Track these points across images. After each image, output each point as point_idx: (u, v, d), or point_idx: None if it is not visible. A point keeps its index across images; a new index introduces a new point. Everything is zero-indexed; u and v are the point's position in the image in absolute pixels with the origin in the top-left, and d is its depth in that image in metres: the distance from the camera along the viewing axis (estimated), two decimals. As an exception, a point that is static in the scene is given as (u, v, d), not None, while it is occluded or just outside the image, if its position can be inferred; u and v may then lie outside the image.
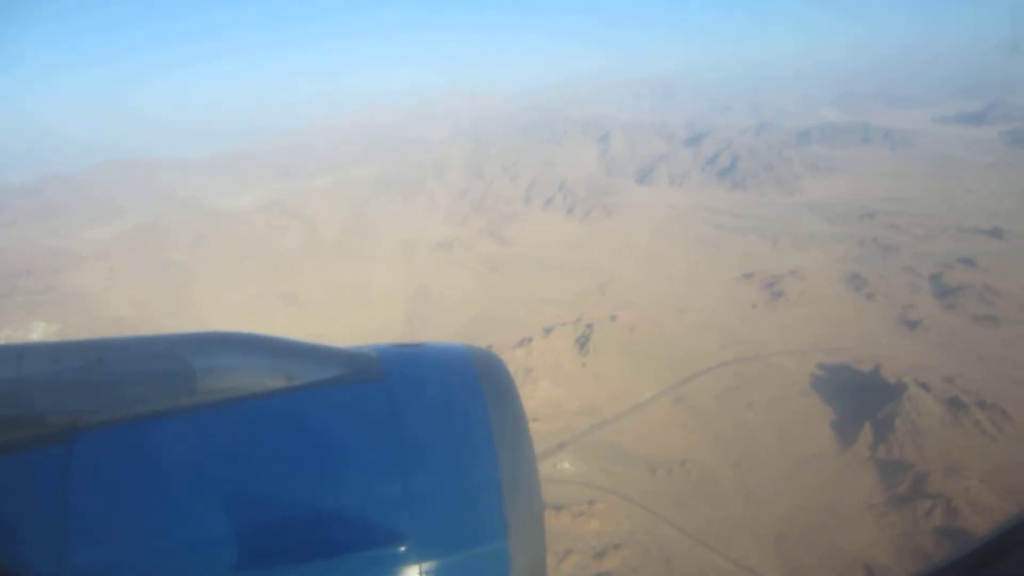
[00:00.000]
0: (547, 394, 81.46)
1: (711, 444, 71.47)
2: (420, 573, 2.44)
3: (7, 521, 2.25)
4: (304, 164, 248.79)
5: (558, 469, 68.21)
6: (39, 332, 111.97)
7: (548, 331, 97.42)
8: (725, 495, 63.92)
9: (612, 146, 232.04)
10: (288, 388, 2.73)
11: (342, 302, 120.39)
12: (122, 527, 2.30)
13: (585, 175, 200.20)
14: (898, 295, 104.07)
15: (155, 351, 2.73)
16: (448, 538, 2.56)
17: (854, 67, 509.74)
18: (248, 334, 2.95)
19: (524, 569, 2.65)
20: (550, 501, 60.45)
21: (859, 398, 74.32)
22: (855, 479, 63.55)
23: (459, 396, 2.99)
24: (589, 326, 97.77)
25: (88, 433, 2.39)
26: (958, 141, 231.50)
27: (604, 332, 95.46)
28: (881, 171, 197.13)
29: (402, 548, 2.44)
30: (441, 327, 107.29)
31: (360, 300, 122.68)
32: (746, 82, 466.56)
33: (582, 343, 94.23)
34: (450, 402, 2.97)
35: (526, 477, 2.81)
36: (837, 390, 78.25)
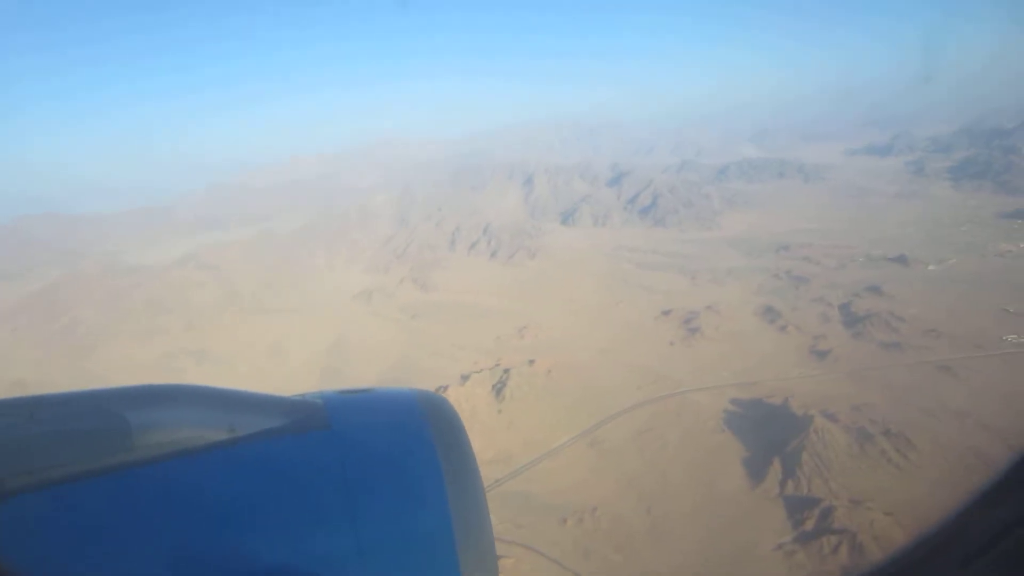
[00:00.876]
0: (461, 446, 78.93)
1: (623, 488, 70.04)
2: None
3: None
4: (227, 217, 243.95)
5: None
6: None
7: (465, 379, 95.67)
8: (636, 541, 62.29)
9: (536, 189, 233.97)
10: (230, 440, 2.59)
11: (256, 357, 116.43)
12: None
13: (510, 219, 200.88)
14: (809, 326, 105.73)
15: (89, 407, 2.54)
16: None
17: (772, 104, 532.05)
18: (187, 386, 2.80)
19: None
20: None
21: (770, 433, 74.19)
22: (765, 517, 62.72)
23: (408, 442, 2.90)
24: (506, 371, 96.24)
25: (18, 496, 2.24)
26: (867, 172, 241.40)
27: (521, 377, 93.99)
28: (795, 204, 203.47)
29: None
30: (356, 379, 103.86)
31: (274, 354, 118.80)
32: (670, 122, 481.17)
33: (499, 389, 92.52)
34: (399, 448, 2.88)
35: (478, 522, 2.76)
36: (750, 425, 78.05)
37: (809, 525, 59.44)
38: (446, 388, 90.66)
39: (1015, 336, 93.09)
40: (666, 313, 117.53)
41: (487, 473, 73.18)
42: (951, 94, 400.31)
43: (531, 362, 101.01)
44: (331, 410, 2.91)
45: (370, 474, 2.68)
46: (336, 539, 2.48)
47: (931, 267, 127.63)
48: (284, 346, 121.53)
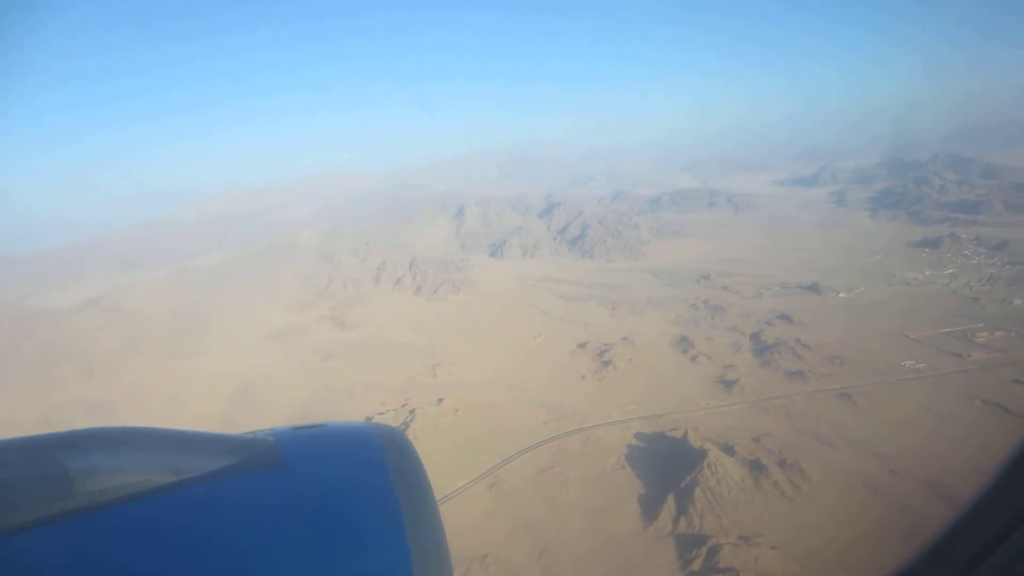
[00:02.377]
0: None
1: (518, 533, 67.87)
2: None
3: None
4: (151, 254, 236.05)
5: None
6: None
7: (368, 421, 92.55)
8: (524, 590, 60.36)
9: (467, 221, 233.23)
10: (178, 483, 2.51)
11: (152, 408, 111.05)
12: None
13: (438, 252, 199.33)
14: (721, 355, 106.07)
15: (24, 454, 2.43)
16: None
17: (707, 136, 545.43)
18: (130, 428, 2.68)
19: None
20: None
21: (668, 468, 73.11)
22: (656, 559, 61.25)
23: (364, 476, 2.84)
24: (412, 412, 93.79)
25: None
26: (792, 202, 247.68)
27: (427, 418, 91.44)
28: (722, 233, 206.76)
29: None
30: (257, 426, 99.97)
31: (175, 401, 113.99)
32: (608, 153, 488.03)
33: (403, 431, 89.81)
34: (355, 483, 2.81)
35: (436, 556, 2.72)
36: (649, 460, 76.99)
37: (696, 565, 58.18)
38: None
39: (913, 362, 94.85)
40: (581, 346, 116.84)
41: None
42: (878, 127, 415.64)
43: (439, 401, 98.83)
44: (283, 447, 2.81)
45: (325, 510, 2.60)
46: None
47: (841, 295, 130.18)
48: (184, 395, 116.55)
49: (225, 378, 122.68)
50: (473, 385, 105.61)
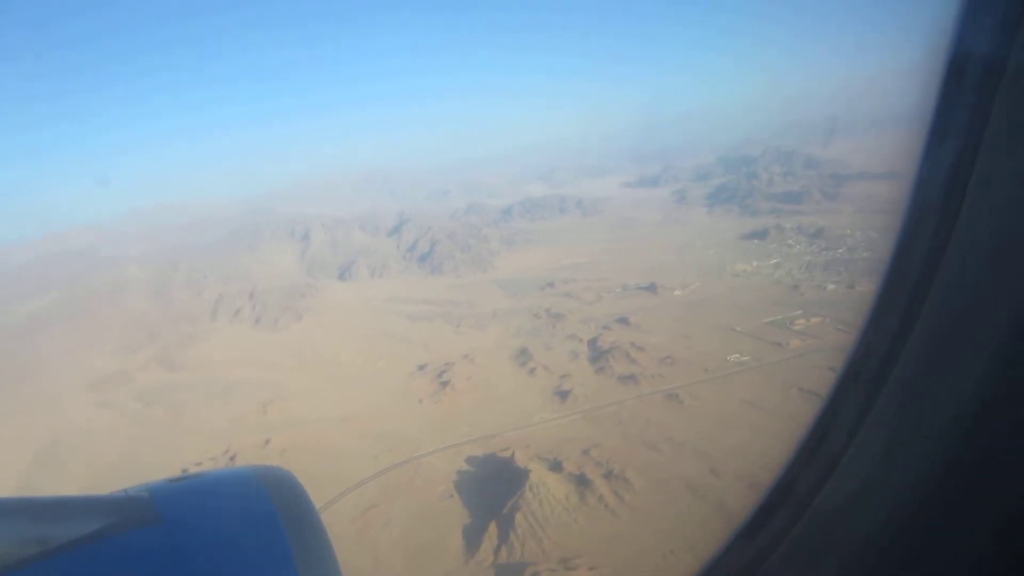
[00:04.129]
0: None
1: (334, 583, 62.81)
2: None
3: None
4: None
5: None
6: None
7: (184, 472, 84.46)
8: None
9: (312, 244, 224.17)
10: (43, 554, 2.22)
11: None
12: None
13: (282, 279, 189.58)
14: (558, 365, 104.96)
15: None
16: None
17: (563, 144, 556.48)
18: None
19: None
20: None
21: (493, 493, 70.40)
22: (474, 594, 58.24)
23: (251, 523, 2.70)
24: (232, 458, 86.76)
25: None
26: (637, 203, 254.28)
27: (248, 463, 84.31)
28: (570, 239, 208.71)
29: None
30: (62, 491, 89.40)
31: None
32: (464, 166, 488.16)
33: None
34: (242, 531, 2.68)
35: None
36: (479, 486, 73.96)
37: (514, 597, 55.46)
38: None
39: (738, 355, 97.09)
40: (421, 368, 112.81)
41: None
42: (718, 126, 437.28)
43: (266, 442, 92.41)
44: (160, 501, 2.62)
45: (212, 563, 2.46)
46: None
47: (677, 292, 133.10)
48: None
49: (29, 438, 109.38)
50: (305, 421, 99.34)
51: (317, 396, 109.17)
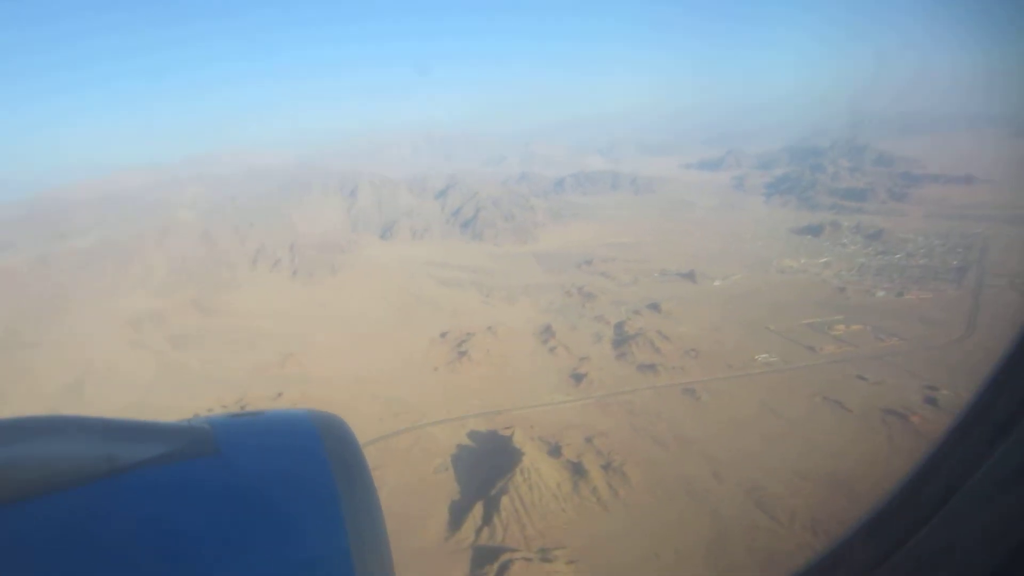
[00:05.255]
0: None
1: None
2: None
3: None
4: (17, 238, 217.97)
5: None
6: None
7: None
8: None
9: (358, 201, 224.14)
10: (109, 472, 2.41)
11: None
12: None
13: (324, 234, 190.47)
14: (579, 347, 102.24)
15: None
16: None
17: (629, 118, 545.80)
18: (58, 416, 2.56)
19: None
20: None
21: (487, 471, 68.49)
22: (448, 572, 56.43)
23: (302, 465, 2.74)
24: (242, 408, 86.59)
25: None
26: (694, 186, 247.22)
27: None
28: (618, 217, 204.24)
29: None
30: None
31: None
32: (527, 134, 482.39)
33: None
34: (292, 472, 2.72)
35: (376, 545, 2.65)
36: (475, 462, 72.25)
37: (485, 583, 53.61)
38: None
39: (766, 355, 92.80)
40: (443, 335, 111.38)
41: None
42: (790, 114, 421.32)
43: (279, 395, 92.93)
44: (219, 435, 2.70)
45: (262, 499, 2.54)
46: (228, 569, 2.31)
47: (716, 283, 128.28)
48: (9, 390, 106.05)
49: (60, 370, 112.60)
50: (320, 377, 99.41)
51: (336, 353, 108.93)
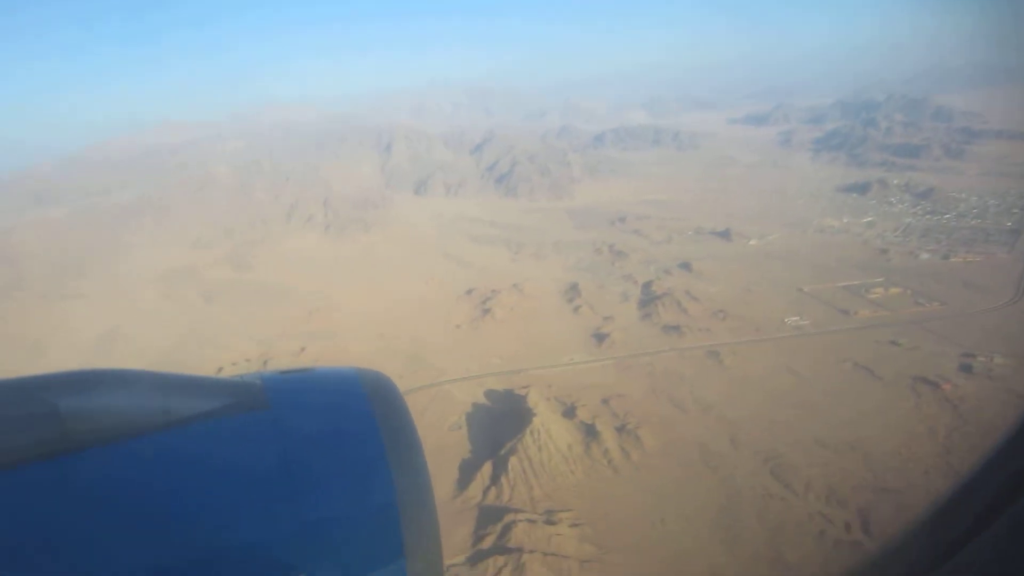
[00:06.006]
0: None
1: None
2: None
3: None
4: (63, 191, 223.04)
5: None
6: None
7: (218, 373, 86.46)
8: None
9: (393, 156, 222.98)
10: (167, 424, 2.56)
11: (10, 354, 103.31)
12: None
13: (359, 189, 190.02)
14: (604, 306, 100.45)
15: (16, 394, 2.46)
16: (346, 563, 2.56)
17: (670, 71, 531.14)
18: (119, 370, 2.68)
19: None
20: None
21: (500, 431, 67.86)
22: (451, 531, 55.98)
23: (349, 419, 2.88)
24: (264, 363, 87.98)
25: None
26: (738, 142, 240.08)
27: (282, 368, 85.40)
28: (657, 173, 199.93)
29: None
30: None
31: (37, 346, 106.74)
32: (569, 88, 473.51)
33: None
34: (340, 426, 2.85)
35: (421, 497, 2.78)
36: (489, 421, 71.68)
37: (488, 542, 53.15)
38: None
39: (797, 318, 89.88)
40: (468, 292, 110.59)
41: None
42: (845, 66, 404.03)
43: (302, 350, 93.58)
44: (270, 390, 2.83)
45: (311, 452, 2.66)
46: (279, 518, 2.46)
47: (752, 242, 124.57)
48: (47, 340, 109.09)
49: (94, 322, 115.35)
50: (343, 333, 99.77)
51: (361, 309, 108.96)
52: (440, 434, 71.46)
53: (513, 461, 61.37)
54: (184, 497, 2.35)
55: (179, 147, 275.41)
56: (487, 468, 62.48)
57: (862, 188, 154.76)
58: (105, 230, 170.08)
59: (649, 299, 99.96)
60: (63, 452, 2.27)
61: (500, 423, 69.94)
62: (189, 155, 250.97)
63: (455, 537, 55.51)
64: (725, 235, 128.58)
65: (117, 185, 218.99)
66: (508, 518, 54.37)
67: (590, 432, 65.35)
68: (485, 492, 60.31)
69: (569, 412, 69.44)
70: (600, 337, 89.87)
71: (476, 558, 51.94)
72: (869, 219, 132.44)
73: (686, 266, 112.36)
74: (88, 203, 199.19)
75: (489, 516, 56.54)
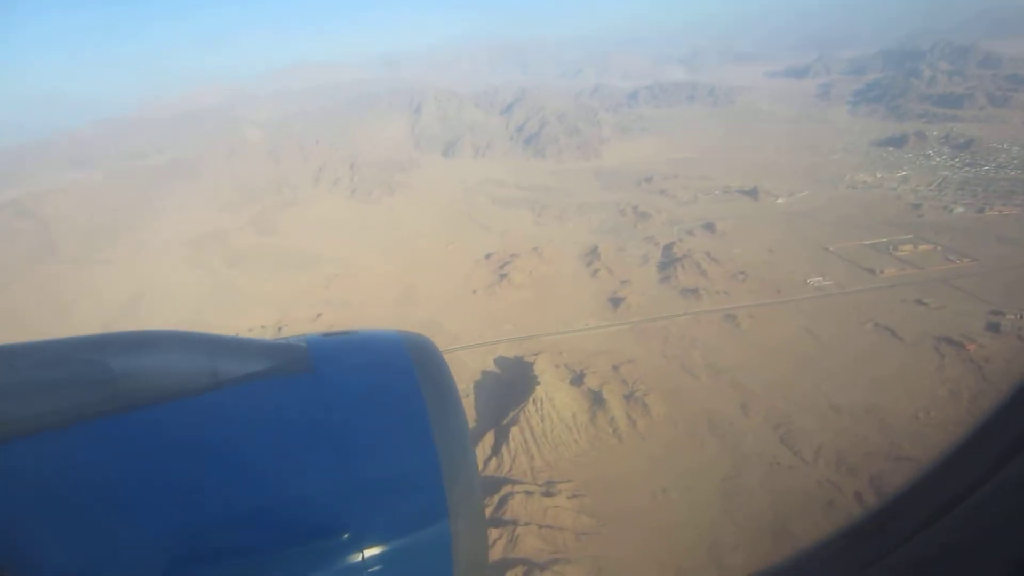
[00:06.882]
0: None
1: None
2: (363, 559, 2.48)
3: None
4: (99, 155, 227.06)
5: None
6: None
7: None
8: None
9: (423, 118, 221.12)
10: (214, 385, 2.59)
11: (37, 317, 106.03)
12: (50, 540, 2.20)
13: (386, 151, 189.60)
14: (623, 270, 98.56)
15: (69, 354, 2.54)
16: (390, 523, 2.58)
17: (710, 24, 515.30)
18: (168, 331, 2.76)
19: (466, 549, 2.68)
20: None
21: (506, 399, 67.38)
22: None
23: (392, 381, 2.88)
24: (280, 329, 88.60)
25: (5, 443, 2.26)
26: (776, 95, 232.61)
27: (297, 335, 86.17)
28: (690, 130, 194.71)
29: (344, 536, 2.47)
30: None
31: (65, 310, 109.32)
32: (605, 44, 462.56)
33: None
34: (383, 388, 2.87)
35: (463, 459, 2.75)
36: (497, 389, 71.14)
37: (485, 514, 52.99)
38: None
39: (820, 279, 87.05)
40: (488, 257, 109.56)
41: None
42: (893, 13, 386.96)
43: (317, 316, 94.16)
44: (314, 353, 2.84)
45: (356, 415, 2.69)
46: (323, 478, 2.48)
47: (780, 200, 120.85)
48: (74, 304, 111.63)
49: (122, 286, 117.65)
50: (360, 300, 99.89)
51: (379, 275, 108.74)
52: (448, 402, 71.41)
53: (515, 431, 60.82)
54: (231, 458, 2.41)
55: (215, 109, 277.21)
56: (489, 437, 62.02)
57: (899, 141, 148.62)
58: (138, 194, 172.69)
59: (669, 261, 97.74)
60: (114, 411, 2.33)
61: (508, 391, 69.37)
62: (224, 118, 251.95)
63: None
64: (753, 193, 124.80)
65: (153, 148, 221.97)
66: (505, 490, 53.85)
67: (597, 400, 64.40)
68: (486, 463, 59.85)
69: (577, 379, 68.39)
70: (616, 301, 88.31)
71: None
72: (903, 173, 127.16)
73: (709, 227, 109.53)
74: (123, 166, 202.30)
75: (487, 488, 55.66)
